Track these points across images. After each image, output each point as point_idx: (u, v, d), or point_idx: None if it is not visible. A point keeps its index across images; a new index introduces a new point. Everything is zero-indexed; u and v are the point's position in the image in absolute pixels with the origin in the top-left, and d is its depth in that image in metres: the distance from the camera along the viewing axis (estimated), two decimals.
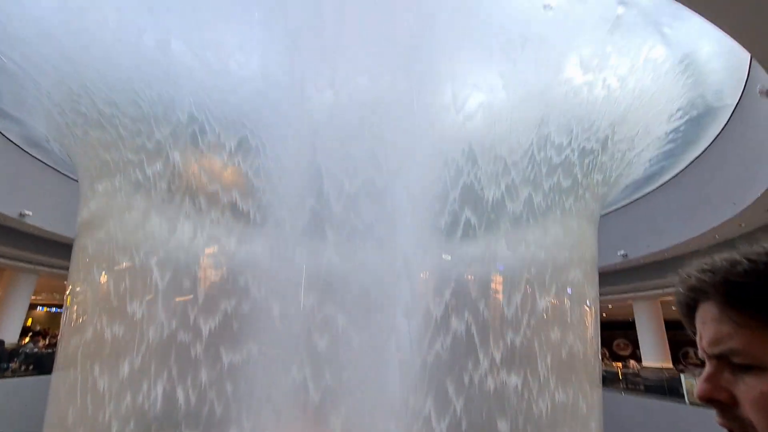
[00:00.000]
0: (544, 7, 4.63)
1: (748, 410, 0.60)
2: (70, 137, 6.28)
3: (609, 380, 14.21)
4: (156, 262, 5.06)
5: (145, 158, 5.42)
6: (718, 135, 8.02)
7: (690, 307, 0.71)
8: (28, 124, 8.12)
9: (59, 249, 11.72)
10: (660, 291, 14.03)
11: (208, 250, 5.27)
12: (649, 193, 11.89)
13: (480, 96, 5.47)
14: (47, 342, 15.65)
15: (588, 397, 5.53)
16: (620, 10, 4.74)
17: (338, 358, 4.69)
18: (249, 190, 5.29)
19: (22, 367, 11.54)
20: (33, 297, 18.30)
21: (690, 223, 10.31)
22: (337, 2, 4.76)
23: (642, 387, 13.67)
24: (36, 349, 13.35)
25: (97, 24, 4.86)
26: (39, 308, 27.86)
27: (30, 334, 19.01)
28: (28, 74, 5.71)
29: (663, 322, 15.50)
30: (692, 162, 9.52)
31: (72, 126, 5.99)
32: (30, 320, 25.18)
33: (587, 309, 6.15)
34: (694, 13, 3.18)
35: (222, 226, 5.21)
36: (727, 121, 7.43)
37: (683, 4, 3.11)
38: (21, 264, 12.75)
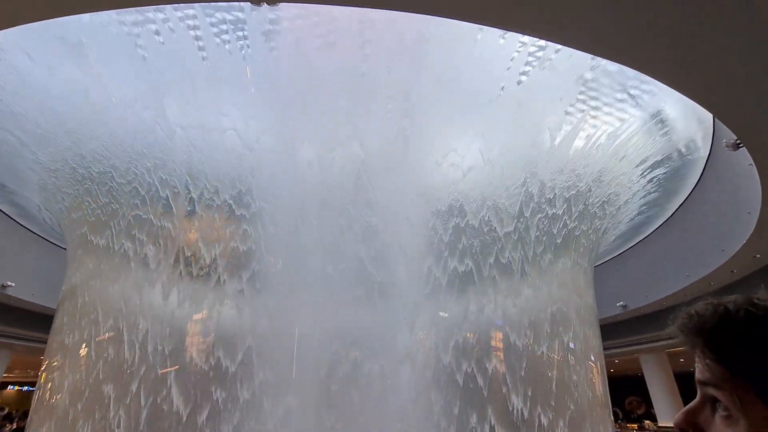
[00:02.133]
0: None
1: None
2: (63, 208, 6.29)
3: None
4: (142, 334, 4.83)
5: (136, 228, 5.41)
6: (695, 185, 8.32)
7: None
8: (20, 194, 8.16)
9: (39, 321, 11.18)
10: (665, 342, 13.62)
11: (196, 316, 5.09)
12: (640, 242, 11.99)
13: (465, 157, 5.71)
14: (15, 425, 14.35)
15: None
16: (589, 74, 5.14)
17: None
18: (241, 257, 5.24)
19: None
20: (4, 375, 17.11)
21: (683, 272, 10.31)
22: (326, 74, 5.10)
23: None
24: None
25: (100, 100, 5.10)
26: (10, 387, 25.97)
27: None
28: (26, 146, 5.85)
29: (673, 375, 14.85)
30: (675, 211, 9.76)
31: (65, 196, 6.03)
32: None
33: (592, 364, 5.91)
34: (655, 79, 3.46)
35: (210, 291, 5.08)
36: (703, 171, 7.75)
37: (644, 72, 3.40)
38: None
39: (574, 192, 6.05)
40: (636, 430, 15.93)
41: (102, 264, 5.54)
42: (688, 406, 0.69)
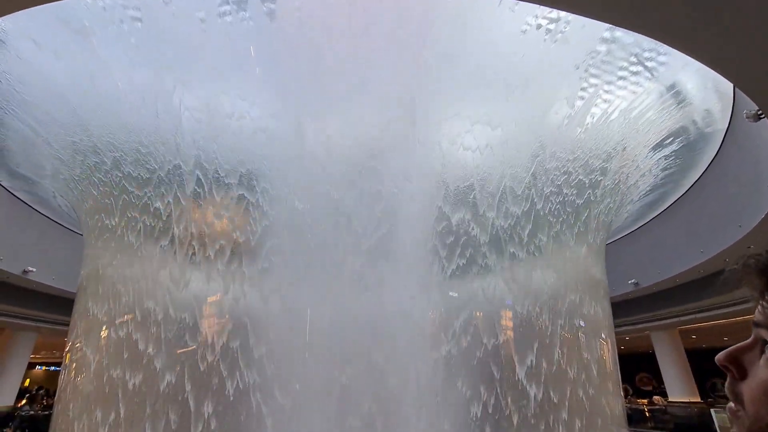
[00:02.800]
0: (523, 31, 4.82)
1: (747, 390, 0.63)
2: (77, 194, 6.40)
3: (635, 419, 13.39)
4: (158, 316, 4.97)
5: (149, 212, 5.48)
6: (713, 159, 8.10)
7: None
8: (36, 182, 8.33)
9: (61, 304, 11.58)
10: (676, 319, 13.54)
11: (211, 299, 5.20)
12: (653, 219, 11.81)
13: (476, 135, 5.61)
14: (44, 402, 15.08)
15: None
16: (602, 47, 4.96)
17: (350, 407, 4.48)
18: (252, 241, 5.30)
19: None
20: (32, 355, 17.87)
21: (697, 249, 10.15)
22: (335, 54, 5.00)
23: (671, 425, 12.86)
24: (32, 411, 12.83)
25: (107, 86, 5.11)
26: (38, 367, 27.14)
27: (27, 395, 18.37)
28: (38, 134, 5.93)
29: (684, 352, 14.83)
30: (692, 186, 9.54)
31: (78, 182, 6.13)
32: (28, 380, 24.43)
33: (603, 342, 5.92)
34: (671, 47, 3.31)
35: (224, 277, 5.16)
36: (721, 145, 7.52)
37: (661, 41, 3.25)
38: (22, 321, 12.56)
39: (586, 168, 5.94)
40: (646, 405, 16.04)
41: (116, 249, 5.66)
42: (739, 344, 0.69)
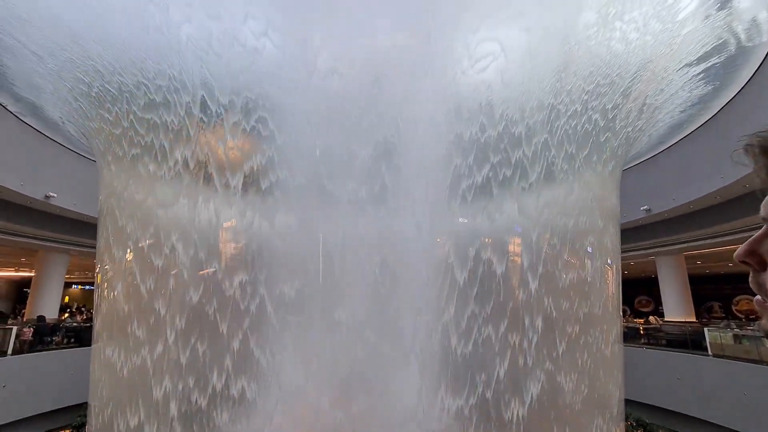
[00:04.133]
0: None
1: None
2: (83, 117, 6.32)
3: (630, 336, 14.25)
4: (175, 238, 5.16)
5: (156, 135, 5.42)
6: (751, 78, 7.49)
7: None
8: (42, 106, 8.22)
9: (87, 229, 12.14)
10: (684, 245, 13.69)
11: (227, 224, 5.34)
12: (674, 144, 11.39)
13: (494, 50, 5.19)
14: (84, 317, 16.58)
15: (609, 354, 5.55)
16: None
17: (357, 327, 4.78)
18: (262, 162, 5.26)
19: (64, 340, 12.32)
20: (67, 276, 19.22)
21: (717, 174, 9.88)
22: None
23: (664, 342, 13.68)
24: (75, 324, 14.18)
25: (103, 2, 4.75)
26: (74, 286, 29.32)
27: (68, 310, 20.13)
28: (36, 56, 5.69)
29: (687, 277, 15.23)
30: (723, 108, 8.99)
31: (83, 106, 6.02)
32: (66, 298, 26.61)
33: (608, 267, 6.05)
34: None
35: (238, 198, 5.23)
36: (761, 63, 6.90)
37: None
38: (52, 244, 13.31)
39: (609, 88, 5.56)
40: (642, 324, 16.95)
41: (128, 175, 5.72)
42: (751, 238, 0.69)
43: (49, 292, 14.19)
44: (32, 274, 14.79)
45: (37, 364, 10.88)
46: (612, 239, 6.18)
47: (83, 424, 9.66)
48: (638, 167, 12.76)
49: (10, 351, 10.52)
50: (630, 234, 13.33)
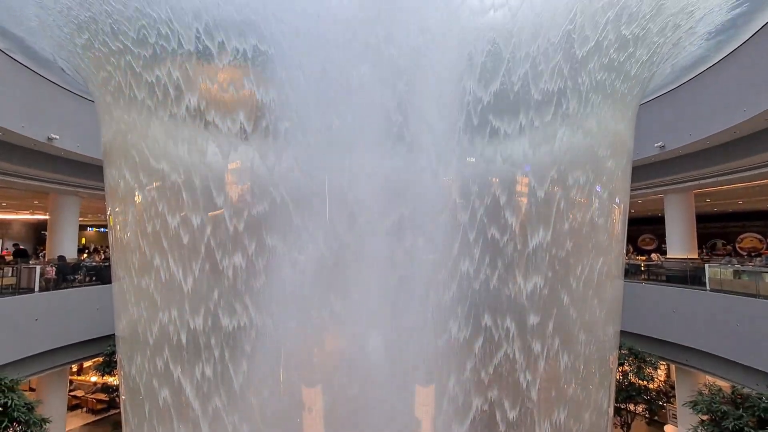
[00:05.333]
0: None
1: None
2: (76, 54, 6.03)
3: (631, 273, 14.59)
4: (181, 179, 5.15)
5: (155, 72, 5.18)
6: None
7: None
8: (32, 43, 7.85)
9: (93, 171, 12.16)
10: (695, 182, 13.47)
11: (232, 165, 5.27)
12: (694, 78, 10.80)
13: None
14: (102, 257, 17.25)
15: (609, 287, 5.71)
16: None
17: (364, 270, 4.89)
18: (266, 101, 5.05)
19: (86, 279, 12.94)
20: (81, 219, 19.67)
21: (740, 107, 9.43)
22: None
23: (663, 278, 14.01)
24: (94, 263, 14.79)
25: None
26: (89, 229, 30.17)
27: (86, 251, 20.91)
28: None
29: (694, 215, 15.19)
30: (749, 40, 8.34)
31: (75, 41, 5.71)
32: (83, 240, 27.52)
33: (615, 206, 6.01)
34: None
35: (241, 138, 5.11)
36: None
37: None
38: (61, 187, 13.43)
39: (627, 16, 5.11)
40: (644, 261, 17.29)
41: (129, 116, 5.57)
42: None
43: (65, 234, 14.60)
44: (47, 217, 15.13)
45: (64, 300, 11.54)
46: (623, 178, 6.07)
47: (113, 353, 10.47)
48: (654, 102, 12.21)
49: (37, 288, 11.12)
50: (640, 172, 13.09)
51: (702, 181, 13.21)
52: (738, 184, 13.91)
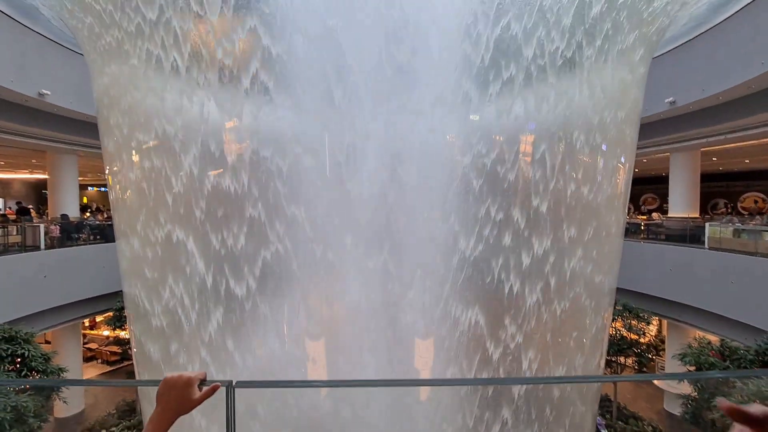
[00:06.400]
0: None
1: None
2: (64, 6, 5.70)
3: (631, 232, 14.67)
4: (178, 136, 5.03)
5: (148, 26, 4.90)
6: None
7: None
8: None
9: (88, 128, 11.93)
10: (704, 140, 13.19)
11: (229, 124, 5.13)
12: (709, 30, 10.27)
13: None
14: (105, 216, 17.35)
15: (608, 245, 5.74)
16: None
17: (366, 225, 4.88)
18: (266, 57, 4.82)
19: (90, 237, 13.09)
20: (82, 178, 19.59)
21: (757, 60, 9.03)
22: None
23: (663, 236, 14.11)
24: (98, 222, 14.90)
25: None
26: (90, 188, 30.13)
27: (89, 210, 21.01)
28: None
29: (699, 174, 15.02)
30: None
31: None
32: (85, 199, 27.57)
33: (621, 165, 5.90)
34: None
35: (240, 94, 4.93)
36: None
37: None
38: (57, 145, 13.23)
39: None
40: (645, 220, 17.33)
41: (122, 71, 5.35)
42: None
43: (66, 193, 14.57)
44: (47, 177, 15.05)
45: (70, 257, 11.75)
46: (630, 136, 5.91)
47: (122, 308, 10.82)
48: (667, 56, 11.69)
49: (42, 246, 11.29)
50: (646, 130, 12.80)
51: (710, 139, 12.93)
52: (747, 142, 13.62)
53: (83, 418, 12.14)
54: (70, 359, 12.29)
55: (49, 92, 10.24)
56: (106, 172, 6.20)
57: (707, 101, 11.20)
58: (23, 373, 7.85)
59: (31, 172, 23.96)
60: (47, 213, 15.37)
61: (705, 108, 11.80)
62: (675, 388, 11.26)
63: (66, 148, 13.57)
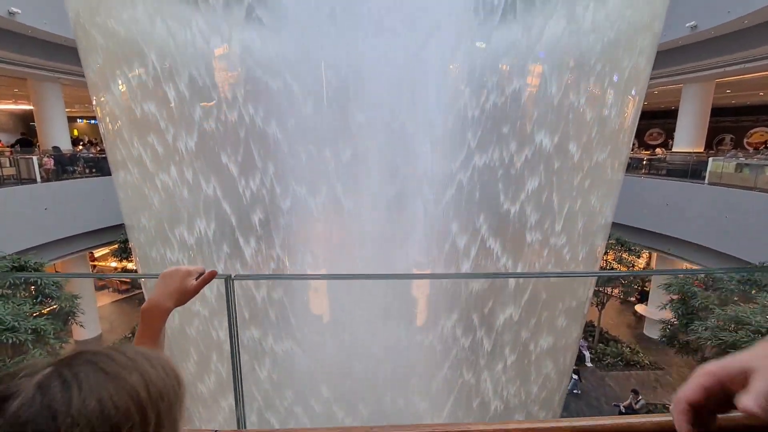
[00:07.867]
0: None
1: None
2: None
3: (633, 167, 14.52)
4: (170, 65, 4.72)
5: None
6: None
7: None
8: None
9: (69, 54, 11.18)
10: (721, 70, 12.52)
11: (218, 51, 4.78)
12: None
13: None
14: (98, 149, 16.98)
15: (607, 180, 5.70)
16: None
17: (363, 159, 4.77)
18: None
19: (86, 170, 12.94)
20: (69, 109, 18.82)
21: None
22: None
23: (664, 172, 14.02)
24: (92, 155, 14.62)
25: None
26: (79, 120, 29.13)
27: (81, 143, 20.52)
28: None
29: (710, 107, 14.50)
30: None
31: None
32: (75, 131, 26.79)
33: (631, 98, 5.63)
34: None
35: (234, 21, 4.54)
36: None
37: None
38: (37, 71, 12.47)
39: None
40: (648, 155, 17.09)
41: None
42: None
43: (54, 124, 14.05)
44: (32, 107, 14.43)
45: (69, 190, 11.70)
46: (644, 65, 5.56)
47: (126, 240, 11.03)
48: None
49: (38, 179, 11.19)
50: (660, 59, 12.11)
51: (728, 69, 12.27)
52: (764, 72, 12.96)
53: (100, 342, 13.01)
54: (82, 289, 12.83)
55: (19, 11, 9.41)
56: (93, 102, 5.92)
57: (731, 25, 10.43)
58: (38, 299, 8.21)
59: (15, 102, 22.96)
60: (38, 145, 14.99)
61: (726, 34, 11.03)
62: (655, 314, 11.95)
63: (48, 75, 12.84)
